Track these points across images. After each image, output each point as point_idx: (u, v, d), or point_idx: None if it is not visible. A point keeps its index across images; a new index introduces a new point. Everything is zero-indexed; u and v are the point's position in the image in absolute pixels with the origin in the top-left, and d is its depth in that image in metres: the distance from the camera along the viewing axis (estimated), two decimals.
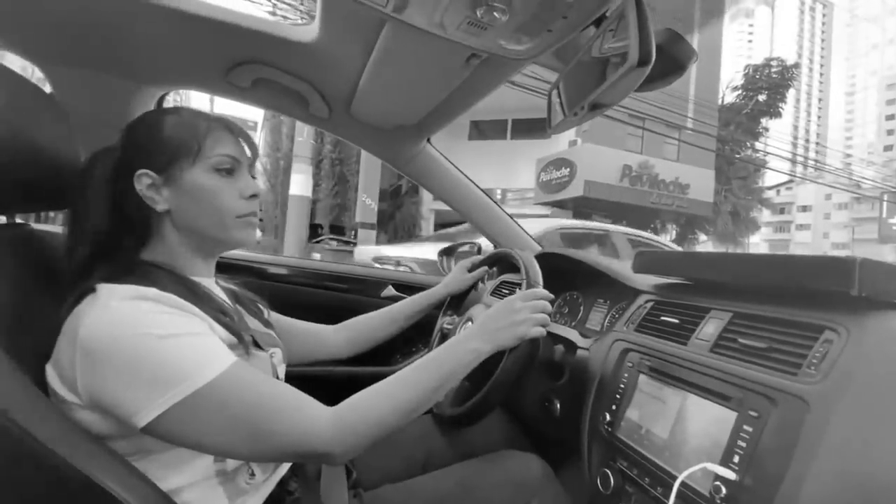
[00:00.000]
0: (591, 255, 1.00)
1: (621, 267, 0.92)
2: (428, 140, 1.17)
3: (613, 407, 0.68)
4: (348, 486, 0.72)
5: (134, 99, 0.94)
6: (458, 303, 1.06)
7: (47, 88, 0.90)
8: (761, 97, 15.12)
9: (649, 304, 0.76)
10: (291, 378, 0.68)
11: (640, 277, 0.84)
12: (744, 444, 0.48)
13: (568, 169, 11.66)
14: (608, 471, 0.65)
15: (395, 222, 12.29)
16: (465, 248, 1.45)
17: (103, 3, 0.72)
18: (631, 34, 0.45)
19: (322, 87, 0.94)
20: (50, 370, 0.50)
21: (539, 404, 0.86)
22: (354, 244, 8.82)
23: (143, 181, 0.58)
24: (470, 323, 0.92)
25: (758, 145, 15.59)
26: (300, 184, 6.48)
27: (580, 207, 12.40)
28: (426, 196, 12.29)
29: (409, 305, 0.98)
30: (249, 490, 0.57)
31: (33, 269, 0.58)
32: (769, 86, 15.01)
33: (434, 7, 0.56)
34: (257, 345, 0.63)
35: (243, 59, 0.87)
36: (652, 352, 0.66)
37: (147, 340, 0.47)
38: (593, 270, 0.95)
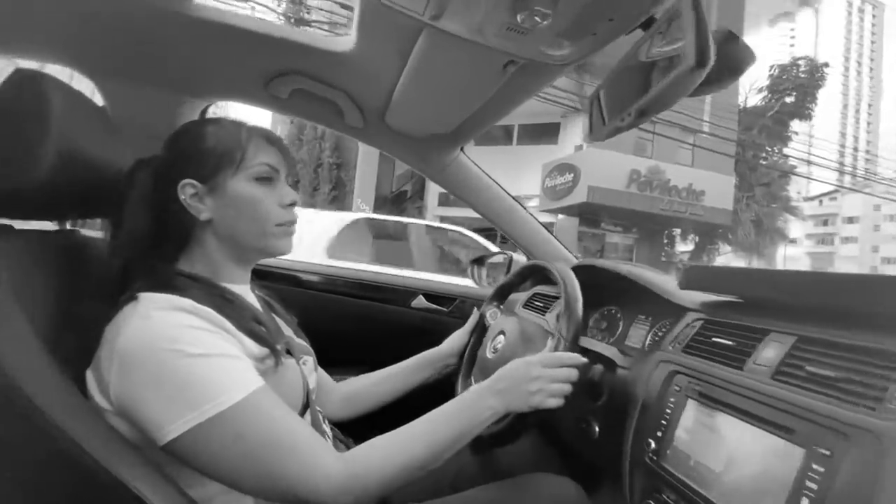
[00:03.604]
0: (632, 268, 0.95)
1: (665, 282, 0.87)
2: (461, 149, 1.16)
3: (658, 433, 0.63)
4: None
5: (180, 111, 0.97)
6: (503, 295, 1.03)
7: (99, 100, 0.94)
8: (789, 98, 14.19)
9: (698, 324, 0.71)
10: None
11: (686, 294, 0.79)
12: (814, 486, 0.43)
13: (572, 174, 11.17)
14: (652, 502, 0.60)
15: None
16: (498, 258, 1.42)
17: (152, 19, 0.74)
18: (687, 34, 0.42)
19: (357, 97, 0.94)
20: (89, 375, 0.51)
21: (575, 426, 0.82)
22: None
23: (187, 190, 0.58)
24: (502, 337, 0.89)
25: (793, 152, 14.70)
26: None
27: (587, 214, 11.88)
28: (431, 201, 12.12)
29: (412, 367, 0.92)
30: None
31: (82, 275, 0.60)
32: (796, 86, 14.07)
33: (473, 13, 0.55)
34: (290, 353, 0.63)
35: (282, 70, 0.88)
36: (702, 375, 0.62)
37: (179, 357, 0.48)
38: (634, 284, 0.91)
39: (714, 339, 0.65)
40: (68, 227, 0.68)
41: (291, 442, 0.50)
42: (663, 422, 0.63)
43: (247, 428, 0.48)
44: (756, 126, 14.01)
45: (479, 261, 1.50)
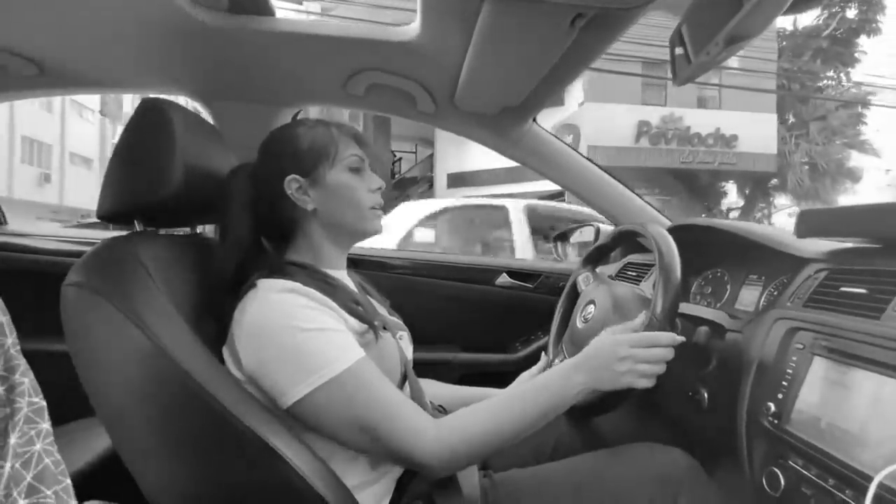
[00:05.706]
0: (739, 224, 0.86)
1: (778, 234, 0.77)
2: (534, 120, 1.13)
3: (780, 396, 0.57)
4: (478, 467, 0.73)
5: (275, 120, 1.08)
6: (598, 257, 0.98)
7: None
8: (850, 13, 10.95)
9: (821, 275, 0.62)
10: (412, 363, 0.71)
11: (805, 244, 0.70)
12: None
13: (571, 136, 9.62)
14: (777, 469, 0.55)
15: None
16: (584, 232, 1.36)
17: (246, 42, 0.84)
18: None
19: (427, 83, 0.96)
20: (225, 351, 0.61)
21: (682, 395, 0.77)
22: None
23: (293, 185, 0.66)
24: (592, 307, 0.86)
25: (867, 77, 11.22)
26: None
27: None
28: (440, 183, 11.46)
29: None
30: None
31: (210, 270, 0.70)
32: None
33: None
34: (386, 329, 0.68)
35: (357, 68, 0.94)
36: (831, 329, 0.54)
37: (294, 332, 0.55)
38: (742, 240, 0.82)
39: (843, 290, 0.57)
40: (198, 230, 0.81)
41: (391, 406, 0.56)
42: (784, 383, 0.57)
43: (354, 393, 0.55)
44: (809, 51, 11.13)
45: (563, 236, 1.46)
